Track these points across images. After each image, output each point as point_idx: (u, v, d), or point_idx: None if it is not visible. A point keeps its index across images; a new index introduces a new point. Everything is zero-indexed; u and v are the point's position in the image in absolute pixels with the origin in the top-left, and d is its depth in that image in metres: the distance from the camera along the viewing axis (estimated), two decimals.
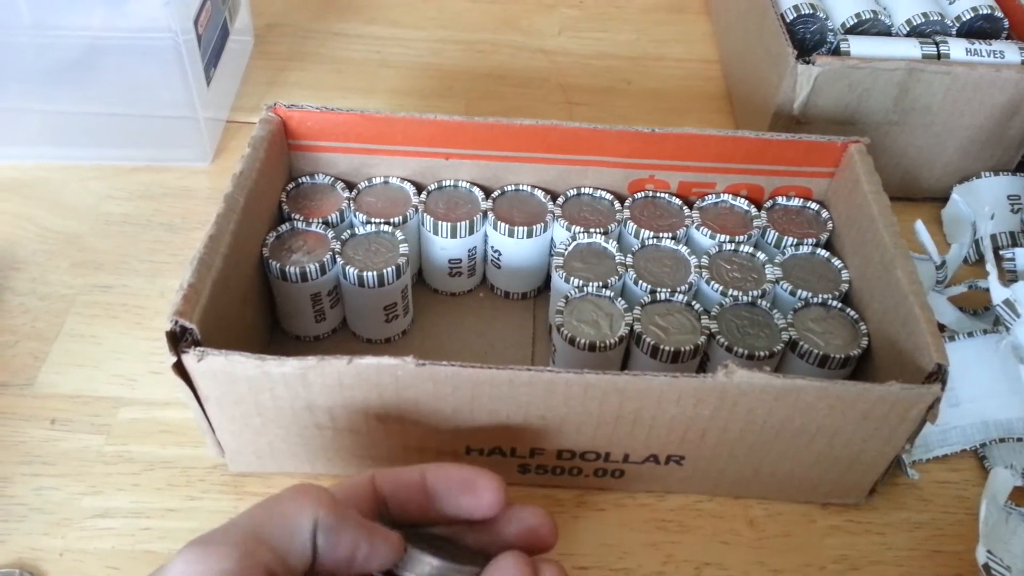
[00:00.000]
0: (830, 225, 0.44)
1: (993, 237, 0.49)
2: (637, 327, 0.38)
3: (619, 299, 0.39)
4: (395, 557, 0.26)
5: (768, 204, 0.45)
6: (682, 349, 0.37)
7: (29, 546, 0.35)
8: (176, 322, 0.32)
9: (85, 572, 0.35)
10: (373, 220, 0.42)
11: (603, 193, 0.44)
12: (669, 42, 0.66)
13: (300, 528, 0.25)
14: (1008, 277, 0.46)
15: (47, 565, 0.35)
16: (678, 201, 0.44)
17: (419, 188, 0.44)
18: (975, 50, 0.48)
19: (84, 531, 0.36)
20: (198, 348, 0.32)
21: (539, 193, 0.44)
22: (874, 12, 0.50)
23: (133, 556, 0.35)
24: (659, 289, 0.40)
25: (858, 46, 0.49)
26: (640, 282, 0.40)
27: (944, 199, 0.52)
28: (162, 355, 0.32)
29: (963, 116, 0.49)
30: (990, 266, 0.42)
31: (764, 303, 0.40)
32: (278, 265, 0.39)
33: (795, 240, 0.43)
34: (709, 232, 0.43)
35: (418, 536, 0.27)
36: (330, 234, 0.41)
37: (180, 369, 0.32)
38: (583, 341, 0.37)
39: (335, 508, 0.25)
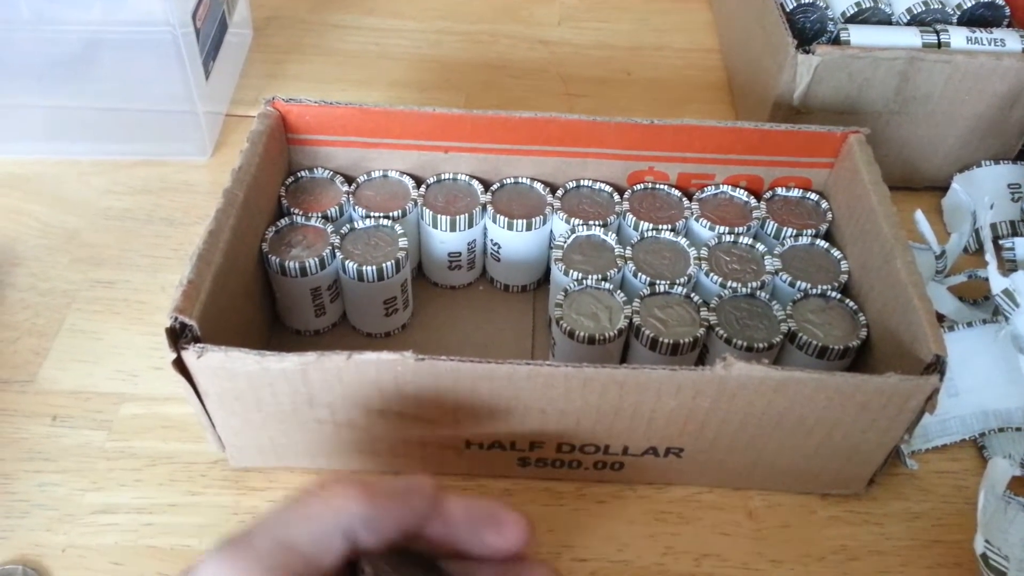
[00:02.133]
0: (829, 216, 0.44)
1: (993, 226, 0.49)
2: (636, 320, 0.38)
3: (618, 292, 0.39)
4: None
5: (767, 195, 0.45)
6: (681, 341, 0.37)
7: (32, 542, 0.36)
8: (176, 318, 0.32)
9: (88, 568, 0.35)
10: (372, 214, 0.42)
11: (602, 185, 0.44)
12: (669, 32, 0.66)
13: (335, 530, 0.24)
14: (1008, 266, 0.46)
15: (50, 561, 0.35)
16: (677, 193, 0.44)
17: (418, 181, 0.44)
18: (976, 38, 0.48)
19: (87, 527, 0.36)
20: (198, 344, 0.32)
21: (538, 186, 0.44)
22: (874, 1, 0.50)
23: (136, 551, 0.36)
24: (658, 281, 0.40)
25: (858, 35, 0.48)
26: (639, 274, 0.40)
27: (944, 188, 0.52)
28: (163, 350, 0.32)
29: (964, 105, 0.48)
30: (989, 256, 0.42)
31: (763, 294, 0.40)
32: (277, 260, 0.40)
33: (794, 231, 0.43)
34: (708, 224, 0.43)
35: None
36: (329, 228, 0.41)
37: (180, 365, 0.32)
38: (582, 334, 0.37)
39: (369, 498, 0.25)
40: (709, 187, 0.45)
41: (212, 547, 0.24)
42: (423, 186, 0.44)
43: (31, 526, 0.36)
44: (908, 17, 0.50)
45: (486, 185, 0.44)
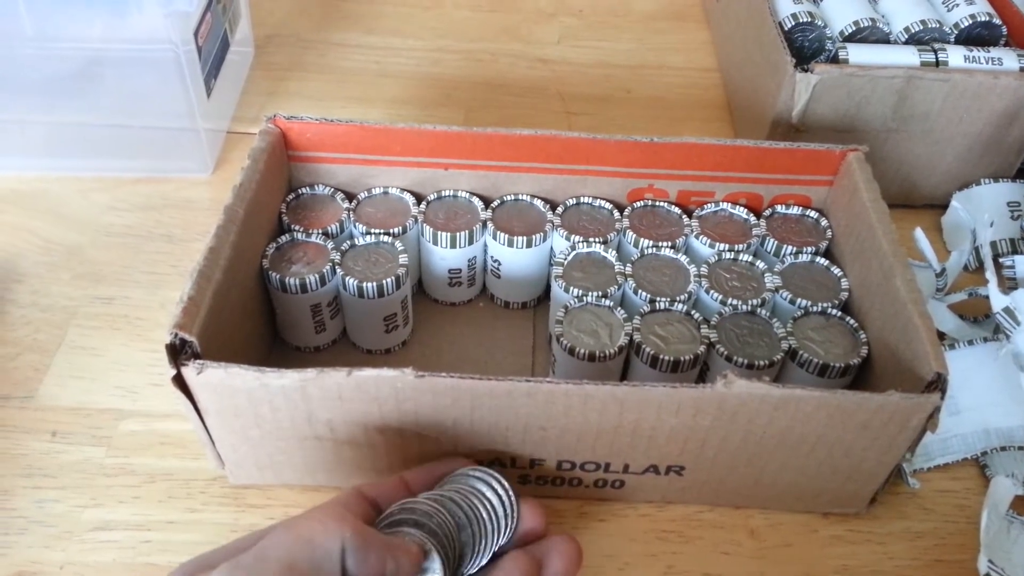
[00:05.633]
0: (829, 233, 0.44)
1: (993, 244, 0.49)
2: (637, 337, 0.38)
3: (619, 309, 0.39)
4: (416, 569, 0.27)
5: (767, 212, 0.45)
6: (682, 359, 0.37)
7: (30, 559, 0.35)
8: (176, 335, 0.32)
9: None
10: (373, 231, 0.42)
11: (602, 202, 0.44)
12: (668, 51, 0.66)
13: (330, 554, 0.25)
14: (1008, 284, 0.46)
15: None
16: (677, 210, 0.44)
17: (419, 198, 0.44)
18: (974, 57, 0.48)
19: (85, 544, 0.36)
20: (197, 361, 0.32)
21: (538, 203, 0.44)
22: (872, 20, 0.51)
23: (134, 569, 0.35)
24: (658, 298, 0.40)
25: (856, 54, 0.49)
26: (640, 291, 0.40)
27: (943, 206, 0.52)
28: (163, 367, 0.32)
29: (962, 123, 0.49)
30: (990, 273, 0.42)
31: (764, 312, 0.40)
32: (278, 276, 0.40)
33: (794, 248, 0.43)
34: (708, 241, 0.43)
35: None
36: (330, 245, 0.41)
37: (180, 382, 0.32)
38: (583, 351, 0.37)
39: (361, 530, 0.26)
40: (709, 204, 0.45)
41: (222, 568, 0.24)
42: (423, 203, 0.44)
43: (29, 543, 0.36)
44: (906, 36, 0.51)
45: (486, 202, 0.44)
